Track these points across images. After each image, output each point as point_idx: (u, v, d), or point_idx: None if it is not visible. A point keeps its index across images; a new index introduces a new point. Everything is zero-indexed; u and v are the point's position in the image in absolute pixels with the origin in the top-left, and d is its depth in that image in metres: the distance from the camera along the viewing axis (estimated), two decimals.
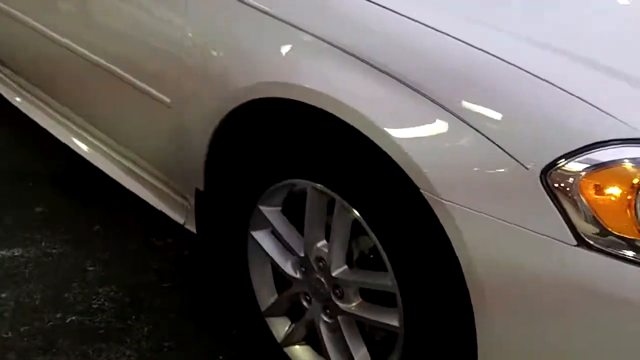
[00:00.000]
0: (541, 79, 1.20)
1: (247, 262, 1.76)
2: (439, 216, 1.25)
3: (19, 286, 2.08)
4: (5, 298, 2.03)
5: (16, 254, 2.24)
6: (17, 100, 2.61)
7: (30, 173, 2.65)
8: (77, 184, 2.60)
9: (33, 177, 2.63)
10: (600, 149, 1.13)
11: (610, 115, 1.15)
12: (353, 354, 1.57)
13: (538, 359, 1.23)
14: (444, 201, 1.24)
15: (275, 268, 1.73)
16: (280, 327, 1.76)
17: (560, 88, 1.19)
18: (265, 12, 1.54)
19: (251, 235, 1.72)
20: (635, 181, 1.11)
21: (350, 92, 1.36)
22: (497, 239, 1.20)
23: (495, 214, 1.20)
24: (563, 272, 1.16)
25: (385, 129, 1.29)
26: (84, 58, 2.04)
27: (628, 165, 1.12)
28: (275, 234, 1.70)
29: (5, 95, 2.73)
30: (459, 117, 1.23)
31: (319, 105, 1.41)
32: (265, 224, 1.70)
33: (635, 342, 1.13)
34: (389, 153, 1.29)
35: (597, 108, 1.16)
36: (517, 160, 1.18)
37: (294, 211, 1.65)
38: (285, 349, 1.74)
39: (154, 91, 1.84)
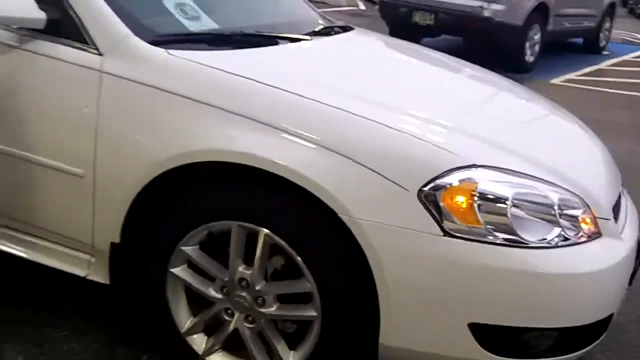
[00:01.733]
0: (408, 134, 1.91)
1: (165, 294, 2.19)
2: (352, 229, 1.87)
3: None
4: None
5: None
6: None
7: None
8: None
9: None
10: (451, 174, 1.86)
11: (448, 150, 1.90)
12: (276, 346, 2.10)
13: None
14: (356, 219, 1.86)
15: (191, 295, 2.19)
16: (200, 342, 2.21)
17: (418, 137, 1.91)
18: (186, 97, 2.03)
19: (170, 272, 2.16)
20: (472, 192, 1.86)
21: (278, 152, 1.92)
22: (393, 238, 1.86)
23: (390, 222, 1.86)
24: (436, 252, 1.86)
25: (313, 178, 1.88)
26: None
27: (466, 183, 1.87)
28: (192, 268, 2.16)
29: None
30: (358, 162, 1.87)
31: (250, 164, 1.94)
32: (181, 261, 2.16)
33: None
34: (315, 193, 1.88)
35: (441, 148, 1.90)
36: (400, 186, 1.86)
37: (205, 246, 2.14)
38: (208, 358, 2.20)
39: (65, 166, 2.19)
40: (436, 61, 3.15)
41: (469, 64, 3.19)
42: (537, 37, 8.84)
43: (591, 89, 8.19)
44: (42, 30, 2.20)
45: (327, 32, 2.99)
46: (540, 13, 8.76)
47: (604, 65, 10.12)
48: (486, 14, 8.28)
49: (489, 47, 8.78)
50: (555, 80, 8.48)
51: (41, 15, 2.16)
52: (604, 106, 7.22)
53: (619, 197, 2.34)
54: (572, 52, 10.82)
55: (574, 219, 1.98)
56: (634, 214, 2.41)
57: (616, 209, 2.24)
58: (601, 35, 11.02)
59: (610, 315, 2.08)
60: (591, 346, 2.09)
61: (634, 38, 13.96)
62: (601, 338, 2.12)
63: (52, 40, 2.21)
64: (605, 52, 11.22)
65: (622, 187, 2.46)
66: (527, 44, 8.64)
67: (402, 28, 9.23)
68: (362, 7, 15.99)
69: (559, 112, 2.82)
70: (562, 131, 2.65)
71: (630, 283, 2.25)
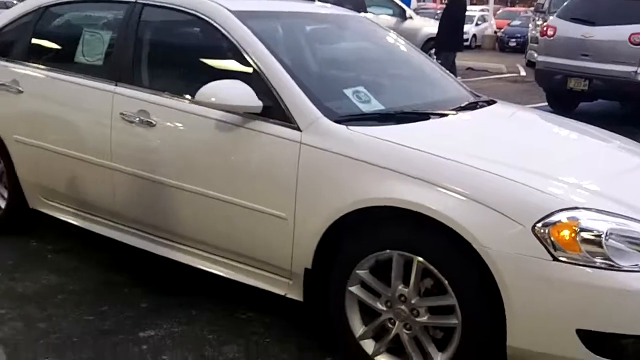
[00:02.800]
0: (525, 184, 2.57)
1: (344, 308, 2.93)
2: (483, 256, 2.52)
3: (173, 354, 3.09)
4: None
5: (151, 333, 3.25)
6: (133, 240, 3.68)
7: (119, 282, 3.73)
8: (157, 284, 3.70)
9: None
10: (557, 213, 2.48)
11: (557, 196, 2.53)
12: (427, 348, 2.76)
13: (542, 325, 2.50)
14: (486, 248, 2.52)
15: (363, 308, 2.90)
16: (369, 346, 2.91)
17: (534, 187, 2.56)
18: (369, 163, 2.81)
19: (348, 290, 2.90)
20: (575, 228, 2.46)
21: (433, 201, 2.63)
22: (514, 262, 2.49)
23: (512, 250, 2.50)
24: (547, 273, 2.47)
25: (455, 218, 2.57)
26: (216, 199, 3.19)
27: (570, 220, 2.48)
28: (364, 286, 2.89)
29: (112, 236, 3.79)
30: (490, 207, 2.54)
31: (411, 209, 2.66)
32: (356, 282, 2.89)
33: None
34: (457, 230, 2.55)
35: (550, 194, 2.54)
36: (518, 222, 2.50)
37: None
38: (376, 359, 2.89)
39: (272, 210, 3.02)
40: (561, 127, 3.77)
41: (596, 128, 3.76)
42: None
43: None
44: (258, 113, 3.08)
45: (472, 106, 3.70)
46: None
47: None
48: None
49: None
50: None
51: (259, 103, 3.05)
52: None
53: None
54: None
55: None
56: None
57: None
58: None
59: None
60: None
61: None
62: None
63: (265, 120, 3.09)
64: None
65: None
66: None
67: (558, 94, 9.71)
68: (522, 73, 16.43)
69: None
70: None
71: None
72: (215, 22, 3.35)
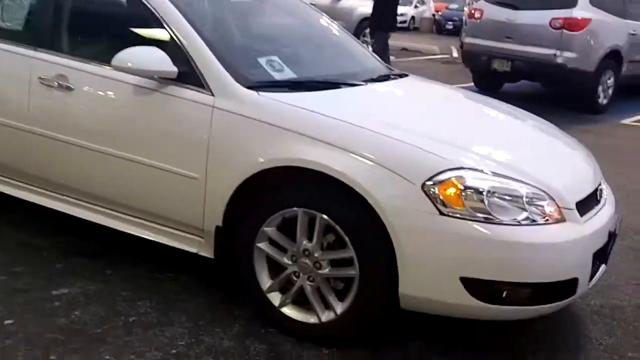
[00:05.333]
0: (417, 147, 2.79)
1: (253, 263, 3.11)
2: (378, 212, 2.73)
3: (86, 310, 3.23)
4: None
5: (64, 291, 3.36)
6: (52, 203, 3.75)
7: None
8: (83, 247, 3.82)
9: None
10: (444, 172, 2.72)
11: (445, 158, 2.76)
12: (328, 298, 2.97)
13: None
14: (381, 204, 2.73)
15: (270, 263, 3.09)
16: (276, 298, 3.11)
17: (424, 149, 2.78)
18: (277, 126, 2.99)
19: (257, 246, 3.09)
20: (460, 186, 2.70)
21: (333, 161, 2.83)
22: (405, 217, 2.72)
23: (403, 204, 2.72)
24: (435, 226, 2.70)
25: (352, 177, 2.77)
26: (132, 161, 3.32)
27: (456, 179, 2.71)
28: (271, 242, 3.07)
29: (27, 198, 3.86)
30: (384, 167, 2.75)
31: (315, 168, 2.85)
32: (264, 238, 3.07)
33: None
34: (355, 188, 2.76)
35: (438, 155, 2.77)
36: (409, 181, 2.72)
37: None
38: (282, 310, 3.09)
39: (185, 171, 3.18)
40: (467, 100, 4.04)
41: (503, 103, 4.03)
42: (611, 81, 9.44)
43: None
44: (173, 79, 3.22)
45: (384, 78, 3.91)
46: (614, 59, 9.35)
47: None
48: (559, 60, 8.98)
49: (564, 91, 9.44)
50: (627, 121, 9.04)
51: (174, 69, 3.19)
52: None
53: (595, 193, 3.14)
54: None
55: (540, 207, 2.78)
56: (610, 208, 3.20)
57: (587, 201, 3.02)
58: None
59: (574, 280, 2.83)
60: (561, 303, 2.85)
61: None
62: (570, 299, 2.88)
63: (180, 85, 3.23)
64: None
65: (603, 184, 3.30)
66: (600, 88, 9.25)
67: (483, 74, 10.07)
68: (455, 54, 16.84)
69: (557, 133, 3.68)
70: (551, 147, 3.51)
71: (605, 262, 3.04)
72: None
